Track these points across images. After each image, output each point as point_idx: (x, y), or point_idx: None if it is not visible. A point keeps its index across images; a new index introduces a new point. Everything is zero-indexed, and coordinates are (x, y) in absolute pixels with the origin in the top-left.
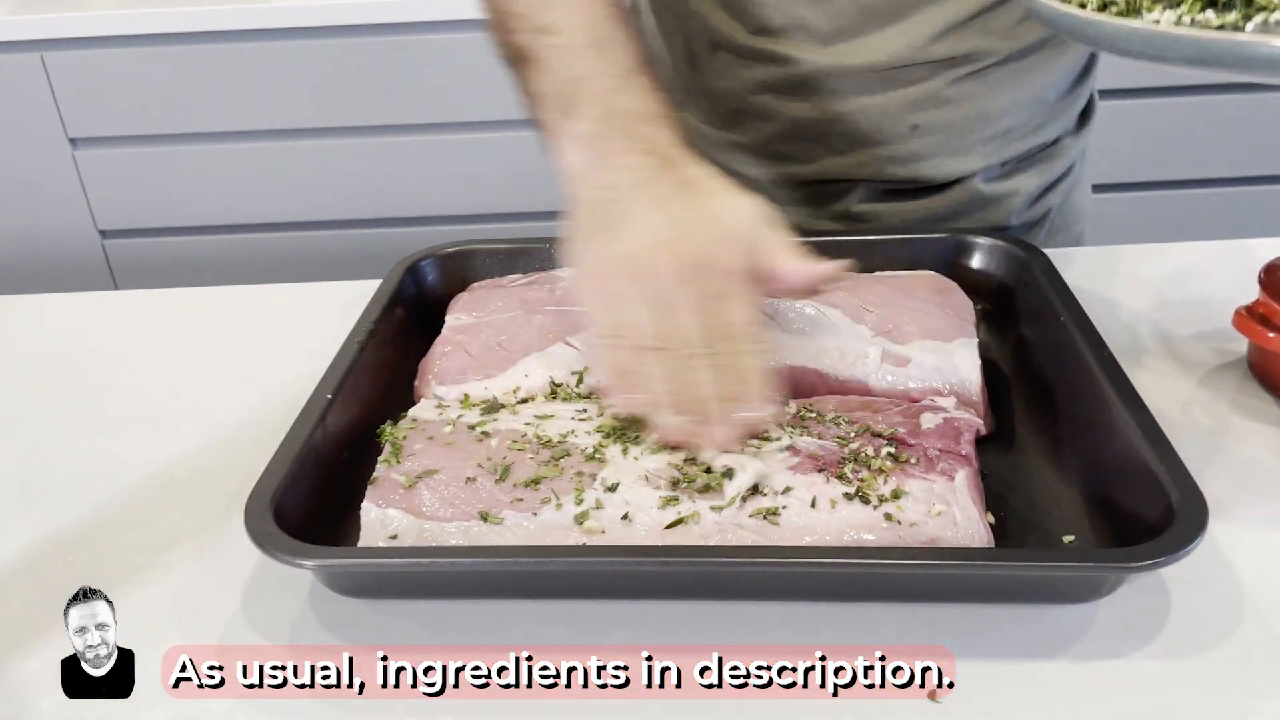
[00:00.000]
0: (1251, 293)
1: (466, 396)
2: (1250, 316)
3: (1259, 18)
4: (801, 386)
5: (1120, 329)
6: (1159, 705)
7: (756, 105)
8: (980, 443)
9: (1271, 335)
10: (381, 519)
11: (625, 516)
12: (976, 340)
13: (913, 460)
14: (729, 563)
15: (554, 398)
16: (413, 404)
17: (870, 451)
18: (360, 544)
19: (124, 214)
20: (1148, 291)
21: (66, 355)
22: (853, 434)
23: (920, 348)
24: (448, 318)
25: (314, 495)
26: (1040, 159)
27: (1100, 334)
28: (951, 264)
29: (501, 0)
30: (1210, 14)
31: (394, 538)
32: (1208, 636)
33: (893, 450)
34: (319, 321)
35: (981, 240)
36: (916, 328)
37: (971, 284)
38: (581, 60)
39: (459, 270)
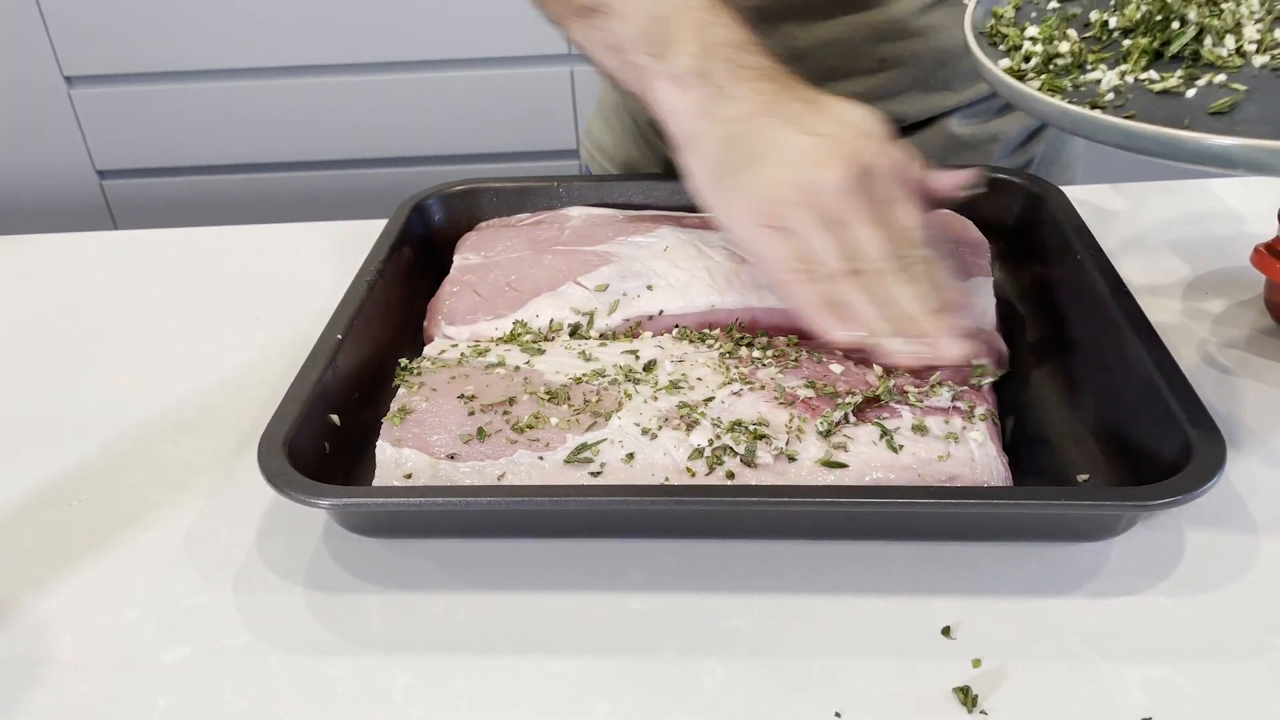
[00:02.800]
0: (1268, 229)
1: (478, 341)
2: (1270, 254)
3: (1205, 78)
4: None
5: (1134, 267)
6: (1173, 641)
7: None
8: (996, 381)
9: None
10: (396, 458)
11: (630, 456)
12: (992, 279)
13: (931, 398)
14: (746, 502)
15: (574, 335)
16: (422, 344)
17: (889, 388)
18: (375, 483)
19: (122, 154)
20: (1161, 229)
21: (70, 296)
22: (873, 374)
23: None
24: (455, 257)
25: (326, 434)
26: None
27: (1116, 271)
28: (967, 200)
29: None
30: (1154, 73)
31: (409, 477)
32: (1221, 573)
33: (912, 387)
34: (325, 261)
35: (998, 176)
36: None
37: (987, 221)
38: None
39: (466, 209)
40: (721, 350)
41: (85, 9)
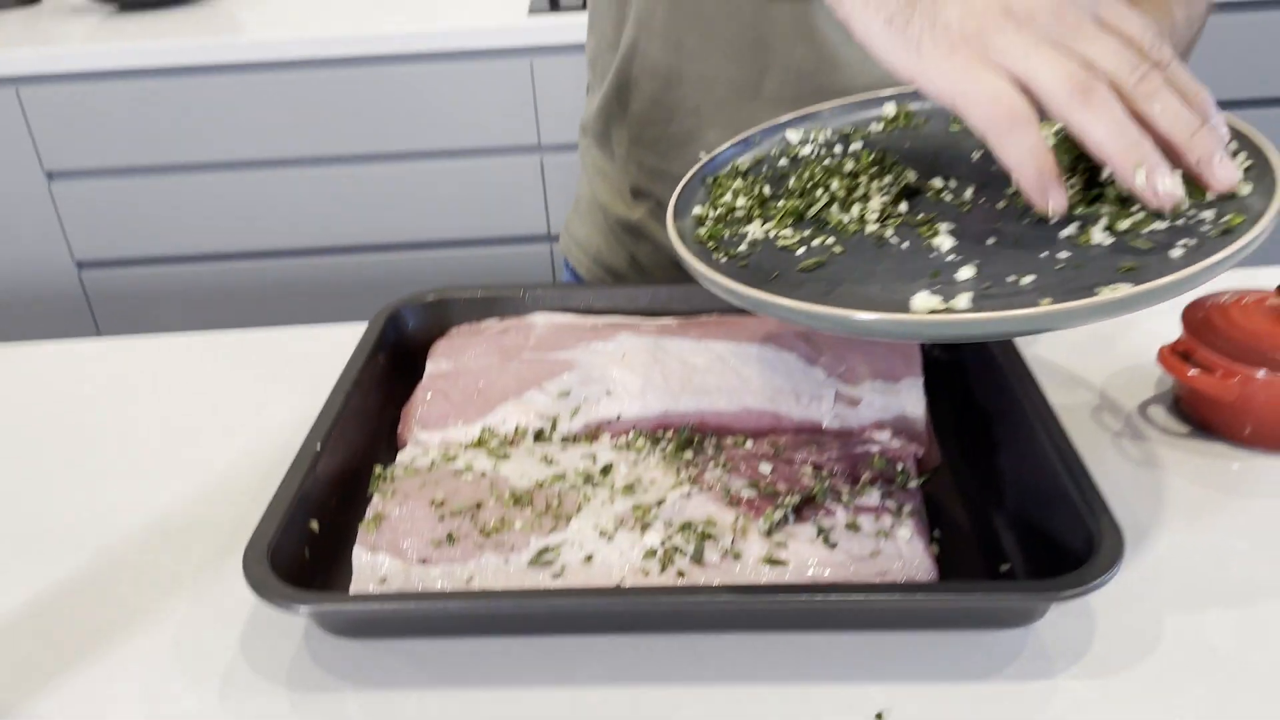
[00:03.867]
0: (1173, 329)
1: (447, 445)
2: (1174, 355)
3: (819, 239)
4: (759, 427)
5: (1056, 366)
6: None
7: (673, 133)
8: (927, 477)
9: (1193, 372)
10: (372, 564)
11: (589, 558)
12: (922, 379)
13: (863, 496)
14: (695, 600)
15: (538, 441)
16: (396, 446)
17: (823, 488)
18: (352, 587)
19: (100, 245)
20: (1078, 332)
21: (55, 404)
22: (808, 473)
23: (870, 388)
24: (428, 364)
25: (307, 540)
26: None
27: (1033, 374)
28: None
29: None
30: (789, 230)
31: (384, 581)
32: (1128, 657)
33: (844, 488)
34: (302, 367)
35: None
36: (867, 369)
37: None
38: None
39: (437, 317)
40: (674, 452)
41: (64, 107)
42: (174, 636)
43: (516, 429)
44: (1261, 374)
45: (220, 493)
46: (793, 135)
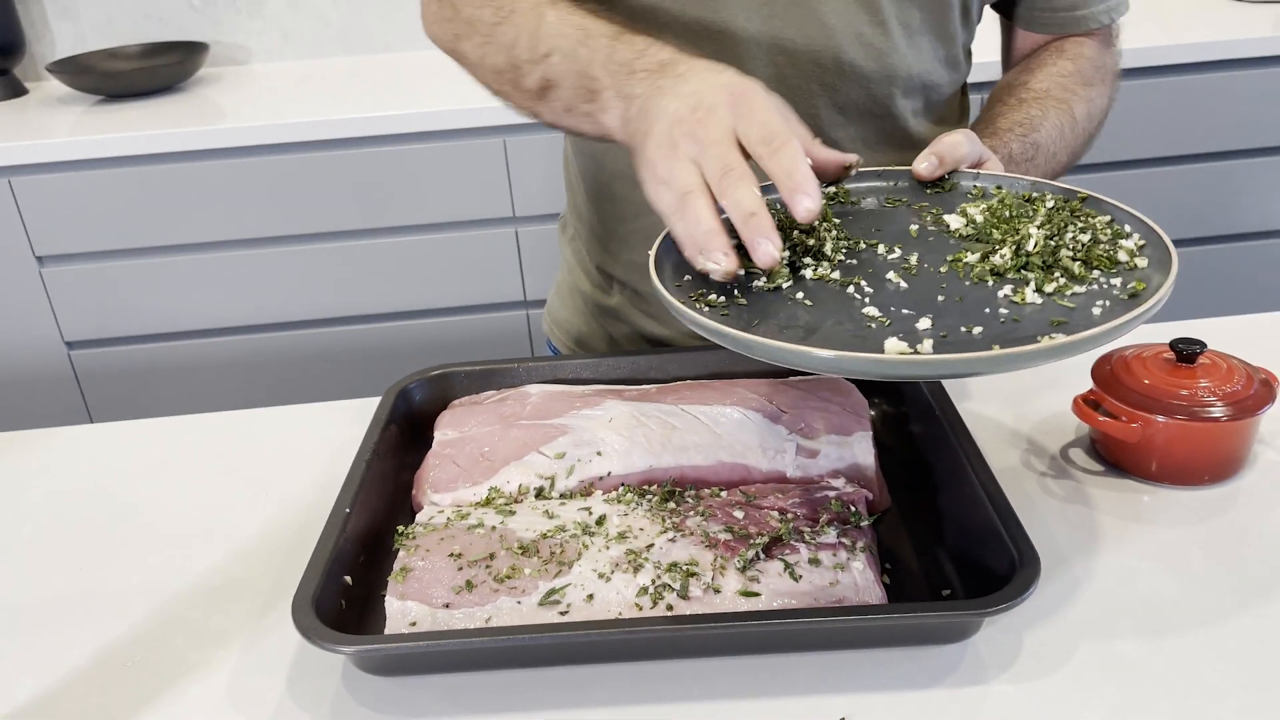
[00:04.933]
0: (1086, 381)
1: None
2: (1086, 404)
3: (788, 292)
4: (732, 478)
5: (988, 419)
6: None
7: (643, 228)
8: (878, 516)
9: (1102, 419)
10: (402, 609)
11: (590, 597)
12: (871, 433)
13: (822, 535)
14: (683, 629)
15: (539, 498)
16: (411, 509)
17: (788, 530)
18: (386, 631)
19: (89, 325)
20: (1012, 381)
21: (98, 483)
22: (774, 517)
23: (826, 441)
24: (436, 434)
25: (342, 593)
26: None
27: (966, 426)
28: None
29: (512, 61)
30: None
31: (413, 624)
32: (1051, 664)
33: (806, 528)
34: (318, 440)
35: None
36: (823, 424)
37: (867, 383)
38: (579, 55)
39: (441, 390)
40: (658, 503)
41: (54, 195)
42: (227, 683)
43: (520, 488)
44: (1160, 419)
45: (252, 557)
46: None
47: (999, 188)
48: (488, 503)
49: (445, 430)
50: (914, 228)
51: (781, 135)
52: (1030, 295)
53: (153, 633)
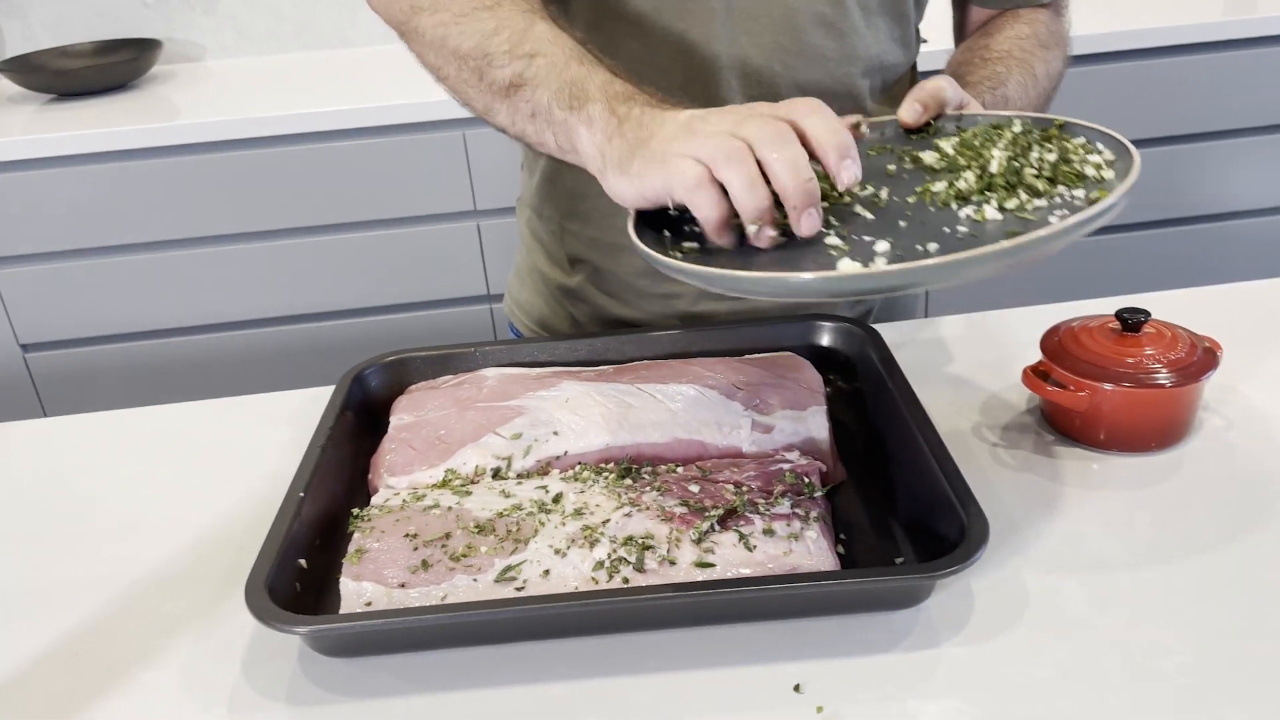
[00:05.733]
0: (1035, 353)
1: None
2: (1035, 375)
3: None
4: (688, 454)
5: (942, 388)
6: (964, 680)
7: (603, 206)
8: (833, 488)
9: (1051, 389)
10: (357, 590)
11: (546, 573)
12: (825, 408)
13: (776, 506)
14: (639, 600)
15: (496, 478)
16: (368, 493)
17: (743, 502)
18: (341, 611)
19: (44, 327)
20: (960, 355)
21: (51, 475)
22: (729, 490)
23: (781, 416)
24: (392, 418)
25: (296, 576)
26: None
27: (917, 397)
28: (806, 344)
29: (484, 48)
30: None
31: (369, 604)
32: (999, 626)
33: (761, 499)
34: (272, 429)
35: (828, 324)
36: (778, 400)
37: (823, 359)
38: (572, 68)
39: (397, 375)
40: (615, 480)
41: (6, 194)
42: (180, 670)
43: (476, 469)
44: (1108, 387)
45: (206, 545)
46: None
47: (983, 127)
48: (444, 484)
49: (401, 415)
50: (891, 168)
51: (812, 103)
52: (990, 213)
53: (105, 622)
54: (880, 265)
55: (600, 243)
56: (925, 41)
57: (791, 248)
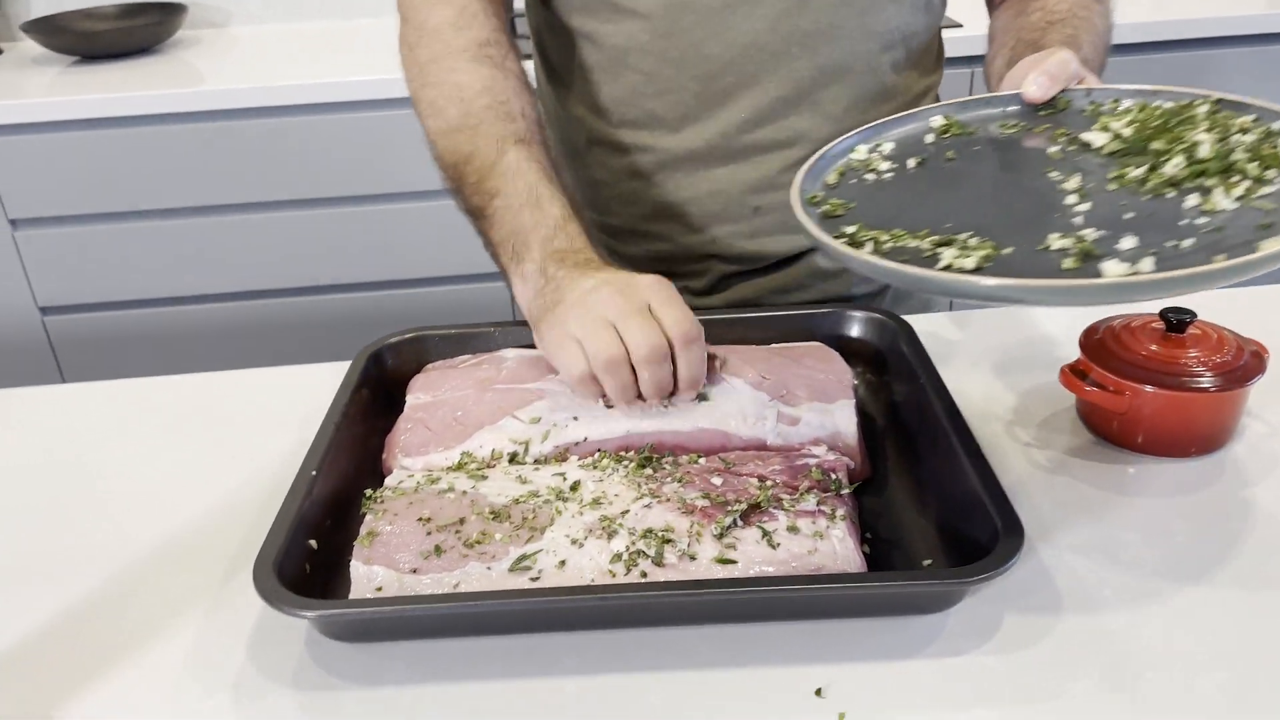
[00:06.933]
0: (1073, 351)
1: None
2: (1073, 373)
3: (964, 238)
4: (711, 444)
5: (975, 384)
6: (992, 690)
7: (627, 190)
8: (859, 485)
9: (1089, 389)
10: (368, 574)
11: (562, 563)
12: (854, 401)
13: (801, 503)
14: (656, 596)
15: (512, 463)
16: (381, 473)
17: (767, 497)
18: (351, 596)
19: (63, 291)
20: (993, 352)
21: (63, 443)
22: (753, 484)
23: (808, 409)
24: (408, 397)
25: (306, 557)
26: None
27: (950, 393)
28: (835, 335)
29: (458, 171)
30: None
31: (379, 589)
32: (1031, 637)
33: (785, 495)
34: (286, 403)
35: (857, 314)
36: (805, 392)
37: (852, 351)
38: (523, 216)
39: (415, 354)
40: (635, 470)
41: (28, 157)
42: (187, 648)
43: (493, 453)
44: (1149, 389)
45: (216, 521)
46: (861, 150)
47: (1115, 101)
48: (459, 467)
49: (418, 394)
50: (1053, 150)
51: (694, 332)
52: (1221, 202)
53: (112, 596)
54: (1148, 269)
55: (615, 228)
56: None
57: (1003, 236)
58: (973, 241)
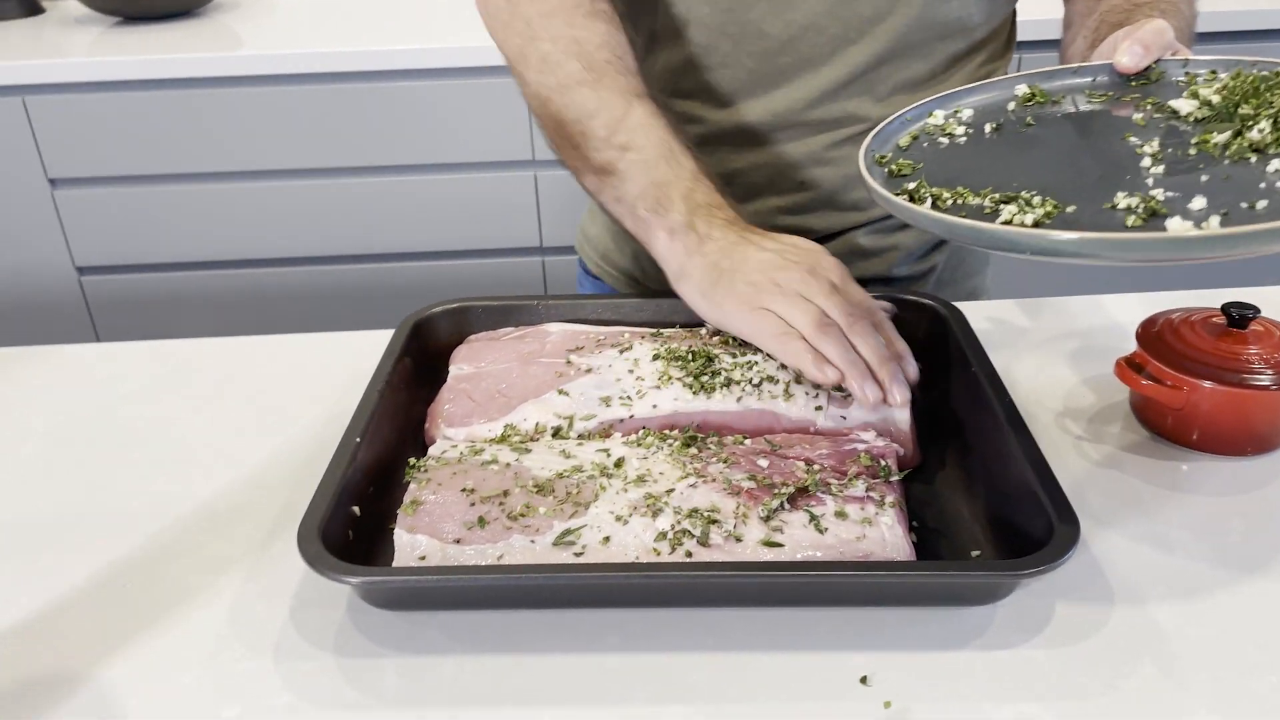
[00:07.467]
0: (1129, 344)
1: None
2: (1129, 366)
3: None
4: (758, 425)
5: (1026, 375)
6: (1041, 685)
7: None
8: (909, 474)
9: (1145, 383)
10: (411, 543)
11: (606, 539)
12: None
13: (850, 488)
14: (701, 576)
15: (555, 436)
16: (423, 443)
17: (815, 481)
18: (394, 564)
19: (100, 251)
20: (1050, 341)
21: (103, 403)
22: (801, 468)
23: None
24: (451, 368)
25: (349, 523)
26: None
27: (1003, 382)
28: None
29: (583, 126)
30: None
31: (422, 558)
32: (1082, 631)
33: (834, 479)
34: (328, 370)
35: (910, 299)
36: None
37: (903, 337)
38: (660, 168)
39: (458, 324)
40: (679, 448)
41: (69, 117)
42: (229, 610)
43: (537, 426)
44: (1207, 385)
45: (258, 484)
46: (938, 114)
47: (1213, 72)
48: (503, 439)
49: (461, 365)
50: (1138, 117)
51: (879, 312)
52: None
53: (154, 556)
54: (1215, 226)
55: None
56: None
57: (1066, 196)
58: (1035, 200)
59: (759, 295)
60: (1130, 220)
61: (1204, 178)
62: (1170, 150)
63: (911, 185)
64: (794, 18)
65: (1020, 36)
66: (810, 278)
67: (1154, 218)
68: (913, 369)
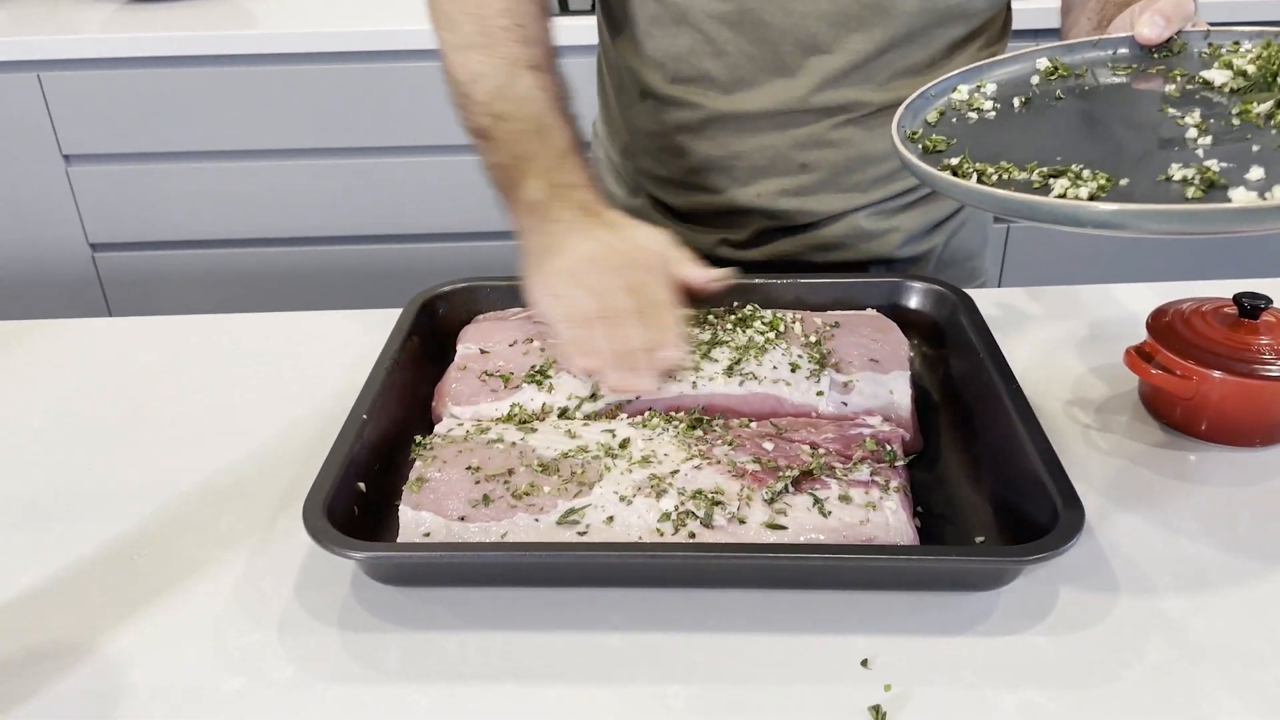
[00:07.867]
0: (1139, 333)
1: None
2: (1139, 356)
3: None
4: (762, 409)
5: (1034, 363)
6: (1043, 672)
7: (674, 143)
8: (912, 458)
9: (1155, 372)
10: (416, 519)
11: (610, 519)
12: (909, 372)
13: (854, 473)
14: (704, 557)
15: (561, 417)
16: (430, 421)
17: (819, 464)
18: (399, 540)
19: (114, 228)
20: (1060, 329)
21: (111, 377)
22: (805, 451)
23: (861, 378)
24: (459, 347)
25: (355, 499)
26: (922, 201)
27: (1010, 368)
28: (893, 305)
29: (467, 88)
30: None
31: (427, 535)
32: (1085, 619)
33: (839, 463)
34: (336, 347)
35: (916, 284)
36: (859, 361)
37: (909, 322)
38: (526, 142)
39: (465, 304)
40: (685, 430)
41: (84, 93)
42: (234, 585)
43: (543, 406)
44: (1217, 375)
45: (264, 461)
46: (963, 89)
47: (1236, 43)
48: (509, 419)
49: (469, 344)
50: (1170, 88)
51: (669, 313)
52: None
53: (160, 530)
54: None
55: (663, 180)
56: None
57: (1117, 167)
58: (1085, 173)
59: (559, 282)
60: (1190, 192)
61: (1255, 147)
62: (1213, 121)
63: (954, 160)
64: (794, 7)
65: (1014, 26)
66: (610, 273)
67: (1212, 189)
68: (667, 359)
